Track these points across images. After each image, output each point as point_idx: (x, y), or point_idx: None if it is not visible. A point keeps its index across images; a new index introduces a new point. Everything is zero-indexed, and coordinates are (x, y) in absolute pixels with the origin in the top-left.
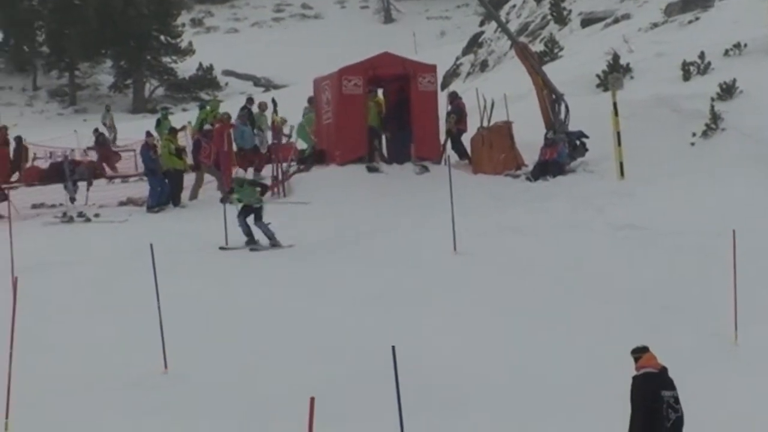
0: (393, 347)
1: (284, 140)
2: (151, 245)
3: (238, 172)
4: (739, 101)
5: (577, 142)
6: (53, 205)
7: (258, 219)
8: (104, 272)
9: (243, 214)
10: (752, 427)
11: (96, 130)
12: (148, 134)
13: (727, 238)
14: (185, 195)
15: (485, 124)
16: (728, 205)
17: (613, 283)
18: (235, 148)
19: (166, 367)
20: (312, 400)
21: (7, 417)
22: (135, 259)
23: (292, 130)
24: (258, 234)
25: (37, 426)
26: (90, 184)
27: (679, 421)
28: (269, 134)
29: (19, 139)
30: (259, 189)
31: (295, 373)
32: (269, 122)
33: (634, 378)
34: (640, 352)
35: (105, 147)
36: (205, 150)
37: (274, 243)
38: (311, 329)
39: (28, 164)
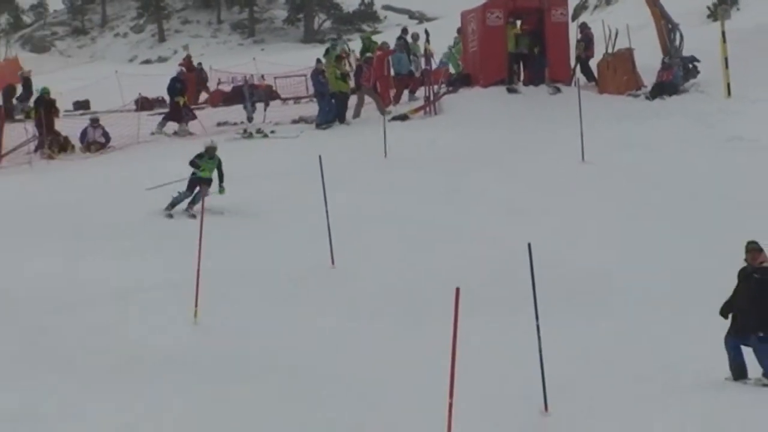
0: (529, 244)
1: (434, 65)
2: (320, 157)
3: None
4: None
5: (690, 66)
6: (235, 123)
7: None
8: (279, 183)
9: (196, 183)
10: None
11: None
12: (318, 61)
13: None
14: (349, 114)
15: (610, 50)
16: None
17: (723, 188)
18: (392, 73)
19: (333, 263)
20: (457, 291)
21: (196, 305)
22: (306, 170)
23: (443, 56)
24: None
25: (222, 314)
26: (267, 105)
27: None
28: (422, 61)
29: (200, 66)
30: (217, 173)
31: (443, 271)
32: (422, 50)
33: (748, 271)
34: (756, 248)
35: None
36: (366, 75)
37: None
38: (457, 233)
39: (213, 88)
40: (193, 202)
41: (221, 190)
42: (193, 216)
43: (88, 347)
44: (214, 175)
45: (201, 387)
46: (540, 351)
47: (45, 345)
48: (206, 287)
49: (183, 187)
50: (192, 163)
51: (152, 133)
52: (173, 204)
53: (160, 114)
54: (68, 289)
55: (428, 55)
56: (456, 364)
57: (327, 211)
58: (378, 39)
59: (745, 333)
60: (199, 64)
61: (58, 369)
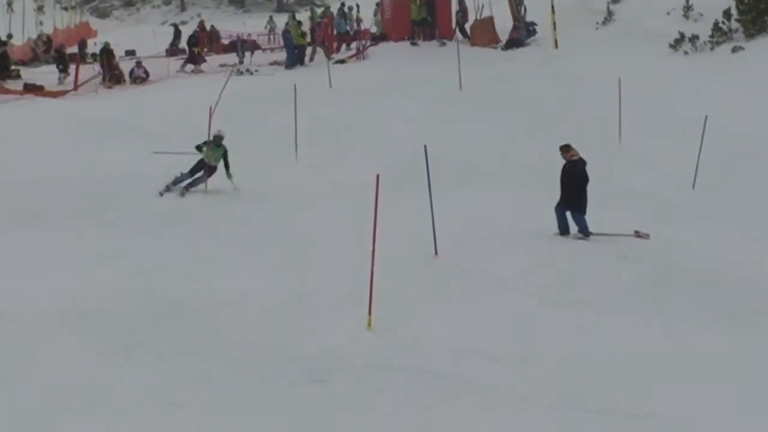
0: (425, 146)
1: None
2: (295, 85)
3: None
4: (624, 3)
5: (531, 28)
6: (233, 65)
7: (199, 181)
8: (261, 104)
9: (198, 169)
10: None
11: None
12: (287, 24)
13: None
14: (307, 59)
15: (478, 17)
16: (616, 60)
17: (552, 104)
18: (335, 32)
19: (296, 158)
20: (377, 177)
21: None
22: (280, 95)
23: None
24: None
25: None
26: (252, 53)
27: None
28: (355, 24)
29: (212, 27)
30: (223, 162)
31: (366, 160)
32: (355, 17)
33: (577, 161)
34: (566, 148)
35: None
36: (318, 33)
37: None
38: (377, 134)
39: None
40: (191, 185)
41: (229, 176)
42: (182, 195)
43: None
44: (220, 165)
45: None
46: (432, 215)
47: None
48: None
49: (185, 168)
50: (198, 147)
51: (177, 71)
52: (174, 183)
53: (182, 59)
54: None
55: (359, 21)
56: (377, 226)
57: (296, 119)
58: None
59: (565, 205)
60: (212, 26)
61: None
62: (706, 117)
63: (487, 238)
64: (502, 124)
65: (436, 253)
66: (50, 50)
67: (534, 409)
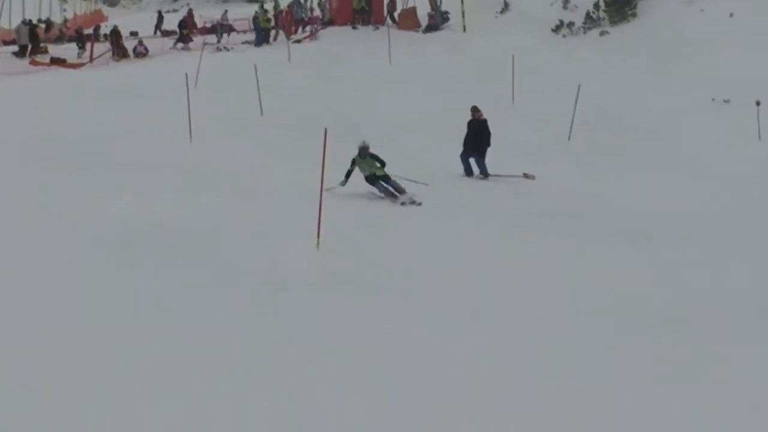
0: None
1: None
2: (255, 66)
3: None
4: None
5: (445, 15)
6: (212, 44)
7: (387, 180)
8: (237, 74)
9: (371, 180)
10: None
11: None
12: (256, 12)
13: (512, 55)
14: (271, 39)
15: (404, 7)
16: (511, 41)
17: (461, 77)
18: (294, 18)
19: (261, 113)
20: (326, 130)
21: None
22: (250, 67)
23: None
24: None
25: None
26: (228, 34)
27: None
28: (309, 11)
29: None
30: (378, 164)
31: (316, 115)
32: (308, 6)
33: (483, 120)
34: (476, 109)
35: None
36: (280, 19)
37: (401, 192)
38: (329, 98)
39: (201, 26)
40: (386, 192)
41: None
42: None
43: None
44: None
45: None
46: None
47: None
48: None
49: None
50: (353, 163)
51: (170, 48)
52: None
53: (174, 38)
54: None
55: (311, 9)
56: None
57: (258, 85)
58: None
59: (470, 153)
60: (200, 15)
61: None
62: (579, 86)
63: (417, 177)
64: (423, 90)
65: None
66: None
67: (451, 312)
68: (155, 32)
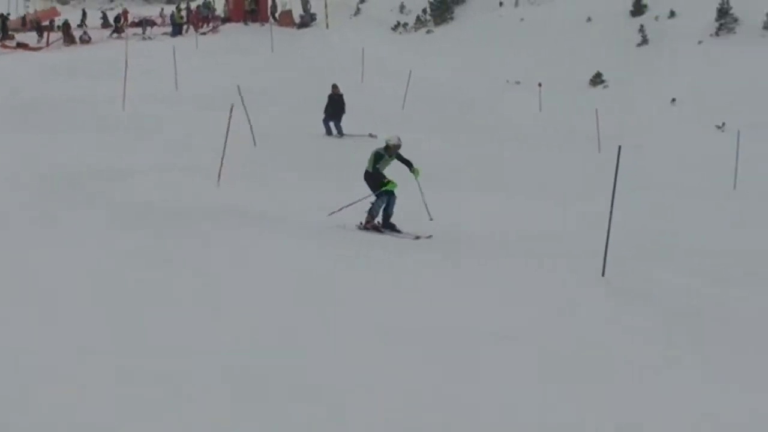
0: (239, 86)
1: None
2: (174, 48)
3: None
4: (367, 3)
5: (312, 15)
6: (140, 34)
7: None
8: (157, 56)
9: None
10: None
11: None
12: (173, 11)
13: (362, 48)
14: (184, 32)
15: (283, 9)
16: (362, 36)
17: (330, 63)
18: (201, 15)
19: (177, 88)
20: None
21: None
22: (169, 51)
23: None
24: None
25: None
26: (152, 27)
27: None
28: (213, 10)
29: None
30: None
31: (225, 83)
32: (213, 5)
33: (340, 95)
34: (335, 87)
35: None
36: (191, 17)
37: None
38: (228, 77)
39: (129, 20)
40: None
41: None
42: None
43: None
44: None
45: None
46: (249, 121)
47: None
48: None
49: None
50: (378, 159)
51: (107, 37)
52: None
53: (111, 30)
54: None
55: (214, 9)
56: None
57: (175, 66)
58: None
59: (330, 118)
60: (124, 9)
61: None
62: (411, 71)
63: (287, 136)
64: (296, 72)
65: (255, 143)
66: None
67: (313, 231)
68: (80, 24)
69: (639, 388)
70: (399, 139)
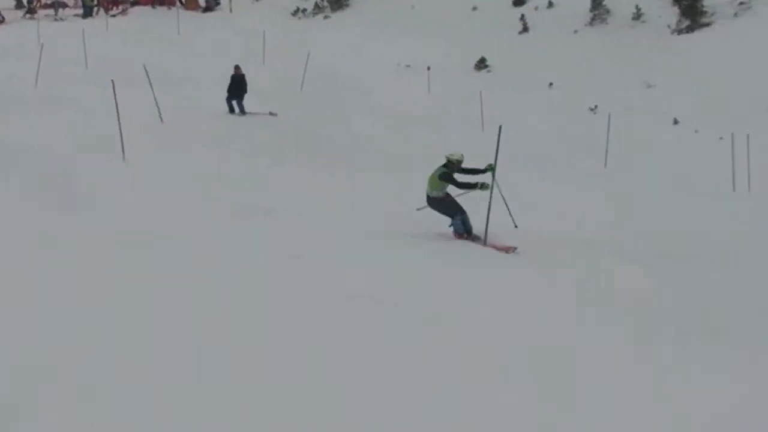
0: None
1: None
2: (83, 31)
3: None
4: None
5: (217, 1)
6: (52, 15)
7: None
8: (69, 37)
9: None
10: None
11: None
12: None
13: (264, 30)
14: (94, 13)
15: None
16: (264, 20)
17: (224, 40)
18: None
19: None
20: (113, 81)
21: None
22: (77, 32)
23: None
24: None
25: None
26: (63, 8)
27: None
28: None
29: None
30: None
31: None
32: None
33: (242, 75)
34: (237, 67)
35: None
36: (101, 0)
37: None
38: (134, 54)
39: (42, 2)
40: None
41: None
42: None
43: None
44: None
45: None
46: (155, 99)
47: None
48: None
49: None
50: (445, 179)
51: (21, 17)
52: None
53: (24, 11)
54: None
55: None
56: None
57: (85, 47)
58: None
59: (232, 97)
60: None
61: None
62: (309, 53)
63: (192, 114)
64: (203, 51)
65: (161, 120)
66: None
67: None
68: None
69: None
70: (462, 155)
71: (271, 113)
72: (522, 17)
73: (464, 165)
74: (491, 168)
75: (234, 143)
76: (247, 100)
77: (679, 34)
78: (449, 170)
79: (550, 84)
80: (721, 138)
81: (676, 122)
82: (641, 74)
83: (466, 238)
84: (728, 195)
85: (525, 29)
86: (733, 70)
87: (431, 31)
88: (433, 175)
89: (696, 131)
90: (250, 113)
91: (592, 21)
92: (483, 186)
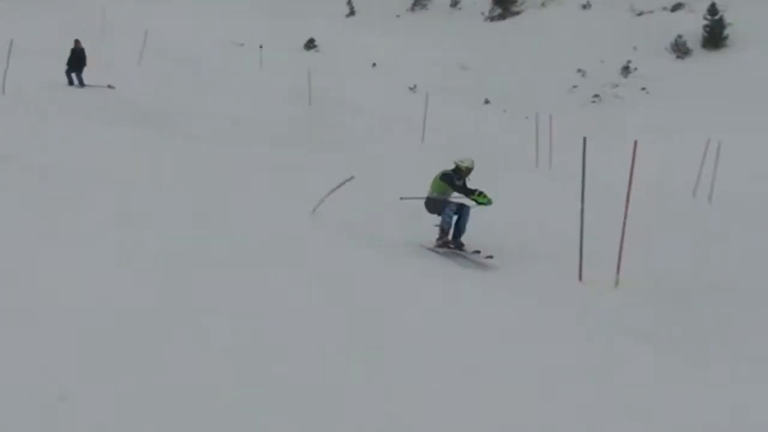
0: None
1: None
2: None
3: None
4: None
5: None
6: None
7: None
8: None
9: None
10: None
11: None
12: None
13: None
14: None
15: None
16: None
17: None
18: None
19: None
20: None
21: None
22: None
23: None
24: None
25: None
26: None
27: None
28: None
29: None
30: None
31: None
32: None
33: (82, 49)
34: (78, 41)
35: None
36: None
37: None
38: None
39: None
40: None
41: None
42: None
43: None
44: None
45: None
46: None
47: None
48: None
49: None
50: (449, 182)
51: None
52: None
53: None
54: None
55: None
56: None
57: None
58: None
59: (71, 70)
60: None
61: None
62: (146, 30)
63: (33, 86)
64: (46, 28)
65: (3, 92)
66: None
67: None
68: None
69: None
70: (473, 162)
71: (109, 86)
72: (349, 1)
73: None
74: (481, 200)
75: (68, 111)
76: (86, 73)
77: (491, 21)
78: (456, 176)
79: (374, 64)
80: (526, 117)
81: (487, 102)
82: (457, 57)
83: (451, 247)
84: (531, 170)
85: (352, 12)
86: (539, 56)
87: (263, 12)
88: (435, 177)
89: (504, 111)
90: (89, 86)
91: (414, 6)
92: (480, 195)
